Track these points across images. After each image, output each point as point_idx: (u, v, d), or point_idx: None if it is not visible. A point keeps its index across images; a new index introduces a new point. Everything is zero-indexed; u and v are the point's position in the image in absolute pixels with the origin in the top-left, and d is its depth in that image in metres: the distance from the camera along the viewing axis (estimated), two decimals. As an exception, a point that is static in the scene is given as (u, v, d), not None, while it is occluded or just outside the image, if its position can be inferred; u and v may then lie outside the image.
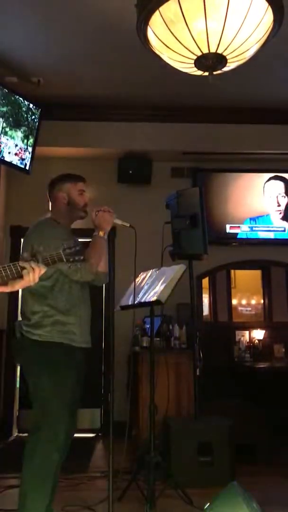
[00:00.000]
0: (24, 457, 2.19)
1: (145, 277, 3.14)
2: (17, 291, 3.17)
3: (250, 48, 2.65)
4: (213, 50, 2.57)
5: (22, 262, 1.69)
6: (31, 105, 4.33)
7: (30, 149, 4.42)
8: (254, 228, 5.21)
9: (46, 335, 2.27)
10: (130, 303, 2.92)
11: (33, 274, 1.68)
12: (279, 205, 5.27)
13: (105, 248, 2.43)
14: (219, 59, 2.63)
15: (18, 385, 4.85)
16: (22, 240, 3.12)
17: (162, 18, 2.56)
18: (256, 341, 4.95)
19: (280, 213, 5.26)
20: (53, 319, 2.30)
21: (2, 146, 4.14)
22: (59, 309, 2.32)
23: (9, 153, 4.23)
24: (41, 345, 2.26)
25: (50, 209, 2.57)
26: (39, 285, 2.16)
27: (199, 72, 2.80)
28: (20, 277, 1.69)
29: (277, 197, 5.28)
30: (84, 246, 2.41)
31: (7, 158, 4.23)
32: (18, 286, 1.72)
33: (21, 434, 4.72)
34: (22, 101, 4.25)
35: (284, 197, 5.29)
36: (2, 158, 4.19)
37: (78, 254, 1.81)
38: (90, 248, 2.37)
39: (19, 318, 2.53)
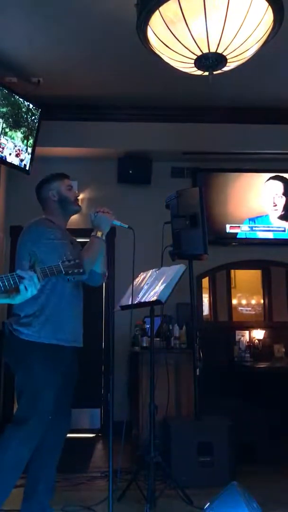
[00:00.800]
0: None
1: (145, 277, 3.14)
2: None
3: (250, 48, 2.66)
4: (213, 49, 2.58)
5: (20, 271, 1.69)
6: (31, 106, 4.32)
7: (30, 149, 4.42)
8: (254, 228, 5.21)
9: (35, 335, 2.26)
10: (130, 303, 2.92)
11: (33, 284, 1.69)
12: (275, 205, 5.26)
13: (103, 249, 2.43)
14: (219, 59, 2.64)
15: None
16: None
17: (162, 18, 2.57)
18: (256, 341, 4.96)
19: (277, 213, 5.25)
20: (43, 319, 2.29)
21: (2, 146, 4.14)
22: (50, 309, 2.30)
23: (9, 153, 4.23)
24: (29, 345, 2.25)
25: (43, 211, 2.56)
26: None
27: (199, 72, 2.80)
28: (18, 288, 1.69)
29: (273, 197, 5.28)
30: (82, 247, 2.41)
31: (7, 158, 4.23)
32: (19, 299, 1.73)
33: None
34: (22, 101, 4.25)
35: (281, 197, 5.29)
36: (2, 158, 4.19)
37: (77, 266, 1.81)
38: (86, 249, 2.36)
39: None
